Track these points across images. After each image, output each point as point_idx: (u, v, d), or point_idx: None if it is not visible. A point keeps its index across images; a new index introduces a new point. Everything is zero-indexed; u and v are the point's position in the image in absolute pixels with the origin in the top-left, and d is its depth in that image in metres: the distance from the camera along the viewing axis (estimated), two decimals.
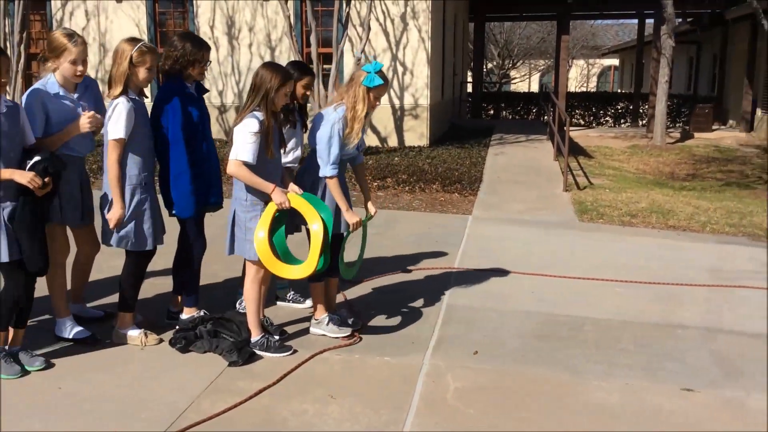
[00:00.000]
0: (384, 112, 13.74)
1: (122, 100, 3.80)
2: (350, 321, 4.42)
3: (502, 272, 5.82)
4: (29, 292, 3.67)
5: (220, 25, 14.15)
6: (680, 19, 23.29)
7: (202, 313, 4.30)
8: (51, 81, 3.87)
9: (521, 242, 6.93)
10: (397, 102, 13.79)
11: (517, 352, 4.20)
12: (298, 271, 3.91)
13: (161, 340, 4.13)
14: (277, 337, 4.12)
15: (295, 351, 4.07)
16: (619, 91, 35.14)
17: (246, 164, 3.81)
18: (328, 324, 4.30)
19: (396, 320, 4.66)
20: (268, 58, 14.04)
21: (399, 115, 13.85)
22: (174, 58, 4.08)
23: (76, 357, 3.94)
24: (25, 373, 3.68)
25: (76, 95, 3.96)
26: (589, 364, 4.07)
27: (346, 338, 4.27)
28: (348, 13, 12.15)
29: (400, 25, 13.55)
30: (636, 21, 25.33)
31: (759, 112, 20.23)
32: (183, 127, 4.06)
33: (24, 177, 3.44)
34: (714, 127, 21.23)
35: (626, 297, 5.29)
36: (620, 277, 5.73)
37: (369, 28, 11.80)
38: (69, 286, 4.29)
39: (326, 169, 4.06)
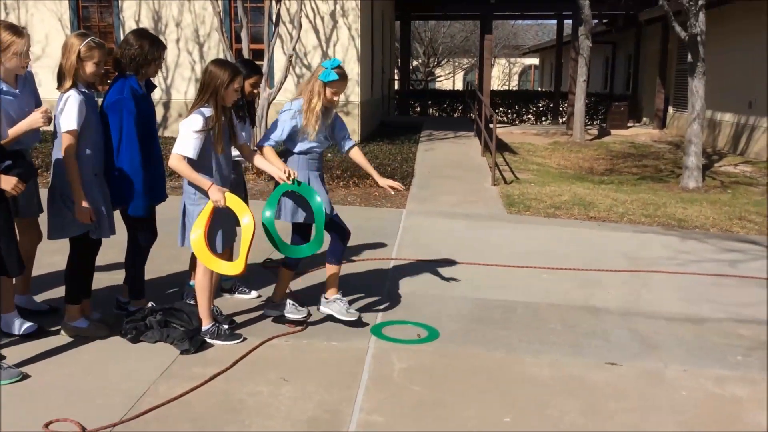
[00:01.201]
0: None
1: (73, 92, 3.84)
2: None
3: (437, 262, 6.10)
4: None
5: (146, 20, 13.96)
6: (597, 21, 24.31)
7: (150, 305, 4.39)
8: None
9: (454, 233, 7.24)
10: None
11: (455, 334, 4.47)
12: (229, 268, 4.01)
13: (110, 331, 4.18)
14: (226, 326, 4.26)
15: (245, 339, 4.22)
16: (539, 89, 36.25)
17: (187, 159, 3.94)
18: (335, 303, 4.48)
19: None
20: (196, 54, 13.96)
21: None
22: (130, 56, 4.15)
23: (23, 348, 3.95)
24: (25, 376, 3.63)
25: (17, 90, 3.98)
26: (522, 343, 4.37)
27: (292, 325, 4.45)
28: (278, 11, 12.22)
29: (330, 23, 13.72)
30: (555, 22, 26.24)
31: (671, 109, 21.35)
32: (136, 126, 4.14)
33: (8, 183, 3.40)
34: (629, 125, 22.26)
35: (553, 282, 5.65)
36: (547, 264, 6.10)
37: (300, 26, 11.90)
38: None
39: (261, 140, 4.26)
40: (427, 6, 23.48)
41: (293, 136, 4.27)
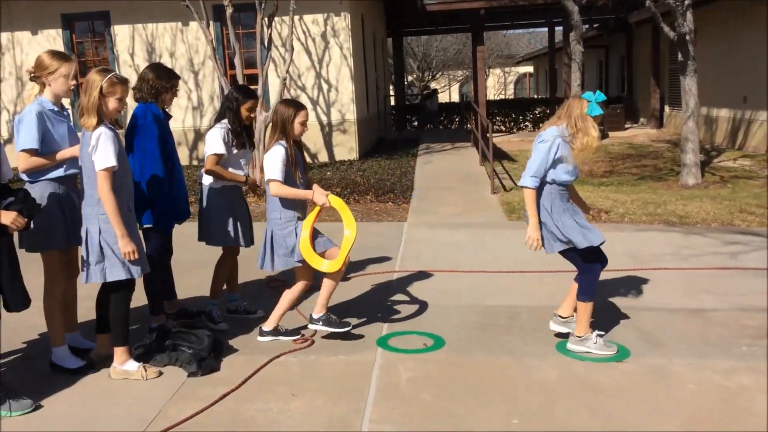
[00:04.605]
0: (313, 129, 13.98)
1: (104, 129, 3.79)
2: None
3: (440, 272, 6.13)
4: None
5: (140, 51, 14.12)
6: (587, 26, 24.45)
7: (169, 322, 4.54)
8: (43, 100, 4.01)
9: (456, 243, 7.28)
10: (324, 118, 14.05)
11: (460, 342, 4.50)
12: (329, 266, 4.35)
13: (161, 372, 4.08)
14: (290, 332, 4.60)
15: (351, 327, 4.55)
16: (535, 96, 36.39)
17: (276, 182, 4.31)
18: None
19: (346, 322, 4.89)
20: (191, 83, 14.09)
21: (327, 131, 14.11)
22: (149, 86, 4.52)
23: (35, 380, 4.00)
24: (37, 405, 3.67)
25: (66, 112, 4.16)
26: (527, 347, 4.40)
27: (298, 341, 4.49)
28: (270, 35, 12.35)
29: (322, 43, 13.85)
30: (546, 29, 26.42)
31: (667, 108, 21.42)
32: (160, 147, 4.44)
33: (7, 217, 3.43)
34: (626, 126, 22.32)
35: (555, 285, 5.68)
36: (548, 269, 6.13)
37: (292, 49, 12.03)
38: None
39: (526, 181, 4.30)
40: (418, 22, 23.65)
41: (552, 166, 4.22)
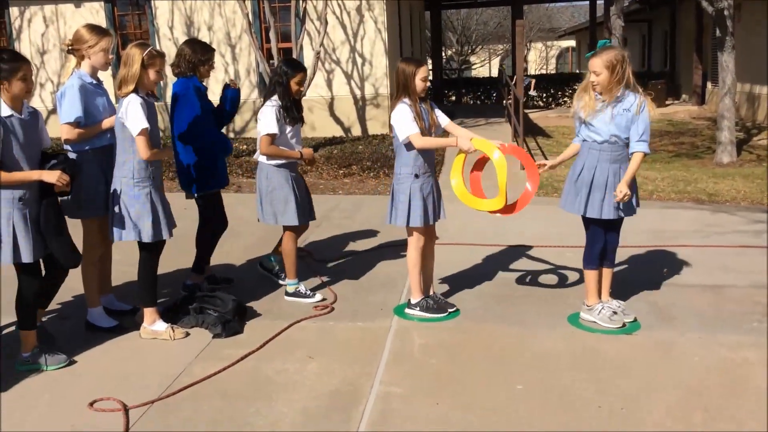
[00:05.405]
0: (346, 103, 14.12)
1: (133, 96, 4.02)
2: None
3: (462, 244, 6.26)
4: (56, 287, 4.02)
5: (179, 25, 14.37)
6: None
7: (204, 284, 4.96)
8: (83, 73, 4.25)
9: (482, 217, 7.33)
10: (358, 92, 14.16)
11: (475, 312, 4.65)
12: (491, 204, 4.45)
13: (188, 333, 4.31)
14: (432, 302, 4.61)
15: (455, 310, 4.60)
16: (577, 71, 35.84)
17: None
18: None
19: (367, 291, 5.09)
20: (228, 57, 14.31)
21: (361, 105, 14.23)
22: (186, 60, 4.77)
23: (72, 337, 4.27)
24: (71, 361, 3.94)
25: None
26: (540, 318, 4.53)
27: (318, 308, 4.69)
28: (305, 8, 12.47)
29: (357, 17, 13.91)
30: (588, 2, 25.96)
31: (709, 85, 20.99)
32: (198, 117, 4.78)
33: (52, 176, 3.67)
34: (668, 102, 21.95)
35: (576, 260, 5.74)
36: (572, 243, 6.20)
37: (326, 22, 12.13)
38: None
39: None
40: None
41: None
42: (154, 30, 14.39)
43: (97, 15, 14.43)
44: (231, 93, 5.14)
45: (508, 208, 4.54)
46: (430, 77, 24.30)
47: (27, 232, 3.68)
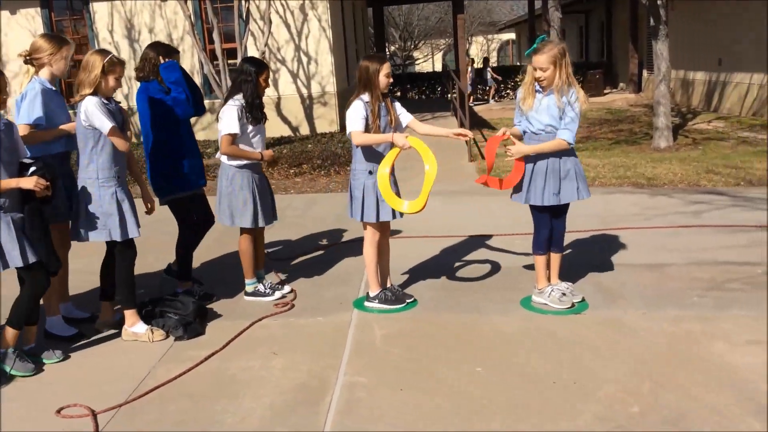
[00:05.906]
0: (293, 102, 14.15)
1: (89, 98, 4.06)
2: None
3: (416, 237, 6.41)
4: (44, 291, 4.02)
5: (119, 29, 14.18)
6: None
7: (195, 287, 4.98)
8: (42, 80, 4.27)
9: (433, 210, 7.51)
10: (305, 91, 14.21)
11: (432, 301, 4.80)
12: (410, 206, 4.47)
13: (167, 335, 4.36)
14: (390, 294, 4.72)
15: (414, 301, 4.74)
16: (517, 64, 36.44)
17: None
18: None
19: (325, 287, 5.19)
20: None
21: (308, 104, 14.27)
22: (151, 65, 4.75)
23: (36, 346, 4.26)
24: (39, 370, 3.95)
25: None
26: (494, 304, 4.70)
27: (279, 305, 4.77)
28: (248, 8, 12.45)
29: (300, 16, 13.95)
30: None
31: (645, 73, 21.66)
32: (163, 120, 4.74)
33: (29, 182, 3.74)
34: (606, 91, 22.58)
35: (526, 247, 5.95)
36: (521, 231, 6.42)
37: (270, 22, 12.15)
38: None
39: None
40: None
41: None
42: (93, 35, 14.16)
43: (34, 21, 14.13)
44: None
45: (496, 182, 4.61)
46: None
47: (12, 239, 3.74)
